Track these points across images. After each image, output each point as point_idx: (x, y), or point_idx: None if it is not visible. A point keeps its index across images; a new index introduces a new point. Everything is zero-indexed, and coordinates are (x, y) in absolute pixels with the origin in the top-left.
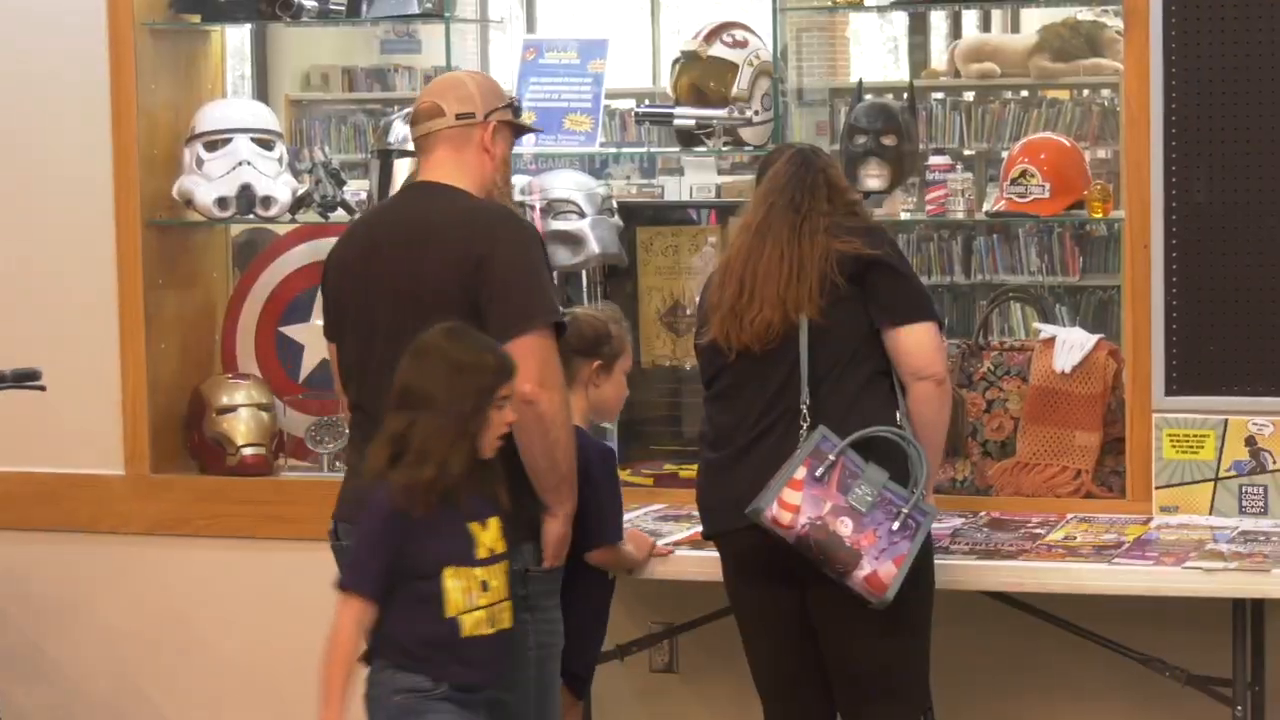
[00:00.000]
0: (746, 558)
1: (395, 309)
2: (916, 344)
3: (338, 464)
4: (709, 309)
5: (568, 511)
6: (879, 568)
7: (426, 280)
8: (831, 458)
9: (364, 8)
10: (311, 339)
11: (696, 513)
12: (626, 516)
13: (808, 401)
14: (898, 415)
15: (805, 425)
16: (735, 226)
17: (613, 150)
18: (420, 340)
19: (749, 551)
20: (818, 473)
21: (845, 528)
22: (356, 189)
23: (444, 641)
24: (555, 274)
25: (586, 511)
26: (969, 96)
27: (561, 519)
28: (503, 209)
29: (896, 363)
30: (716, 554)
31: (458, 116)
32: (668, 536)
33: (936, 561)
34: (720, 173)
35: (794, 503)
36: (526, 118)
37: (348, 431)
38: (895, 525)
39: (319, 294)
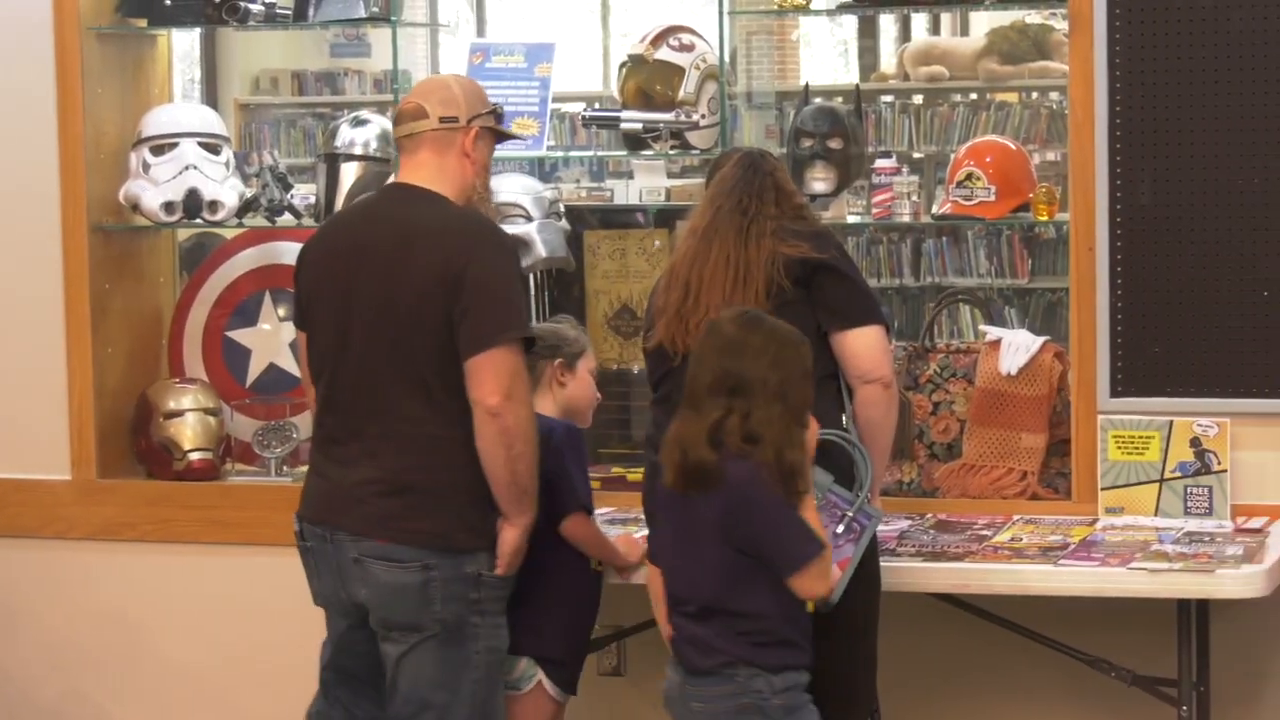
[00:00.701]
0: None
1: (374, 312)
2: (864, 347)
3: (285, 469)
4: (655, 312)
5: (525, 523)
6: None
7: (406, 287)
8: None
9: (311, 11)
10: (259, 344)
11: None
12: None
13: None
14: (844, 418)
15: None
16: (682, 230)
17: (560, 154)
18: (727, 330)
19: None
20: None
21: None
22: (304, 193)
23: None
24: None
25: (550, 480)
26: (918, 99)
27: (520, 529)
28: (484, 221)
29: (844, 366)
30: None
31: (441, 119)
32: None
33: (883, 563)
34: (670, 176)
35: None
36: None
37: (298, 432)
38: (840, 529)
39: (268, 296)
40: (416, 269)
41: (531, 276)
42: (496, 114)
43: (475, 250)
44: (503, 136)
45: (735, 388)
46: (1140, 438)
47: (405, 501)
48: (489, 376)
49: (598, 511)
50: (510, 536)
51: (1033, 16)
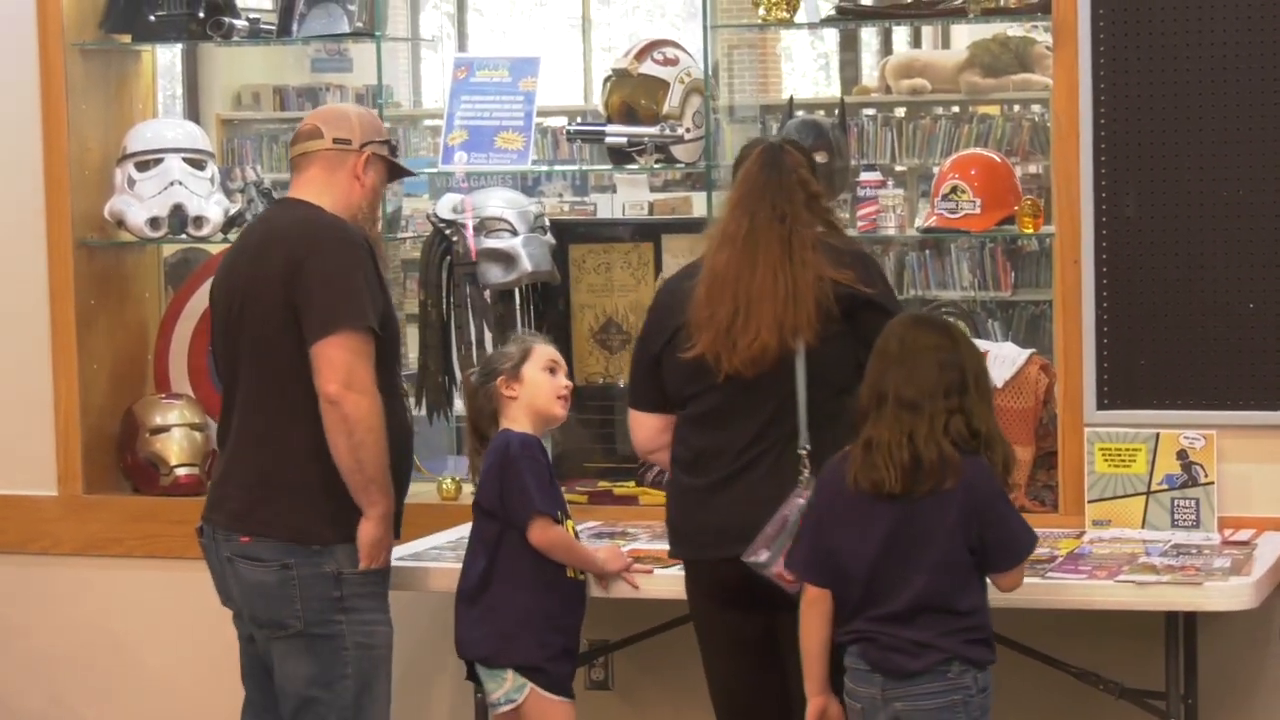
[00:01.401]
0: (719, 585)
1: (238, 313)
2: None
3: None
4: (693, 324)
5: (380, 513)
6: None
7: (261, 285)
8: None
9: (295, 27)
10: None
11: (632, 530)
12: None
13: (807, 447)
14: None
15: (806, 471)
16: (712, 234)
17: (545, 168)
18: (933, 333)
19: (724, 580)
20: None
21: None
22: None
23: None
24: (389, 281)
25: (507, 491)
26: (900, 112)
27: (375, 520)
28: (333, 220)
29: None
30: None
31: (334, 140)
32: (628, 545)
33: None
34: (653, 190)
35: None
36: (455, 137)
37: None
38: None
39: None
40: (269, 267)
41: (517, 291)
42: (391, 146)
43: (316, 244)
44: (397, 171)
45: (954, 386)
46: (1127, 450)
47: (261, 496)
48: (325, 365)
49: (585, 525)
50: (366, 529)
51: (1015, 29)
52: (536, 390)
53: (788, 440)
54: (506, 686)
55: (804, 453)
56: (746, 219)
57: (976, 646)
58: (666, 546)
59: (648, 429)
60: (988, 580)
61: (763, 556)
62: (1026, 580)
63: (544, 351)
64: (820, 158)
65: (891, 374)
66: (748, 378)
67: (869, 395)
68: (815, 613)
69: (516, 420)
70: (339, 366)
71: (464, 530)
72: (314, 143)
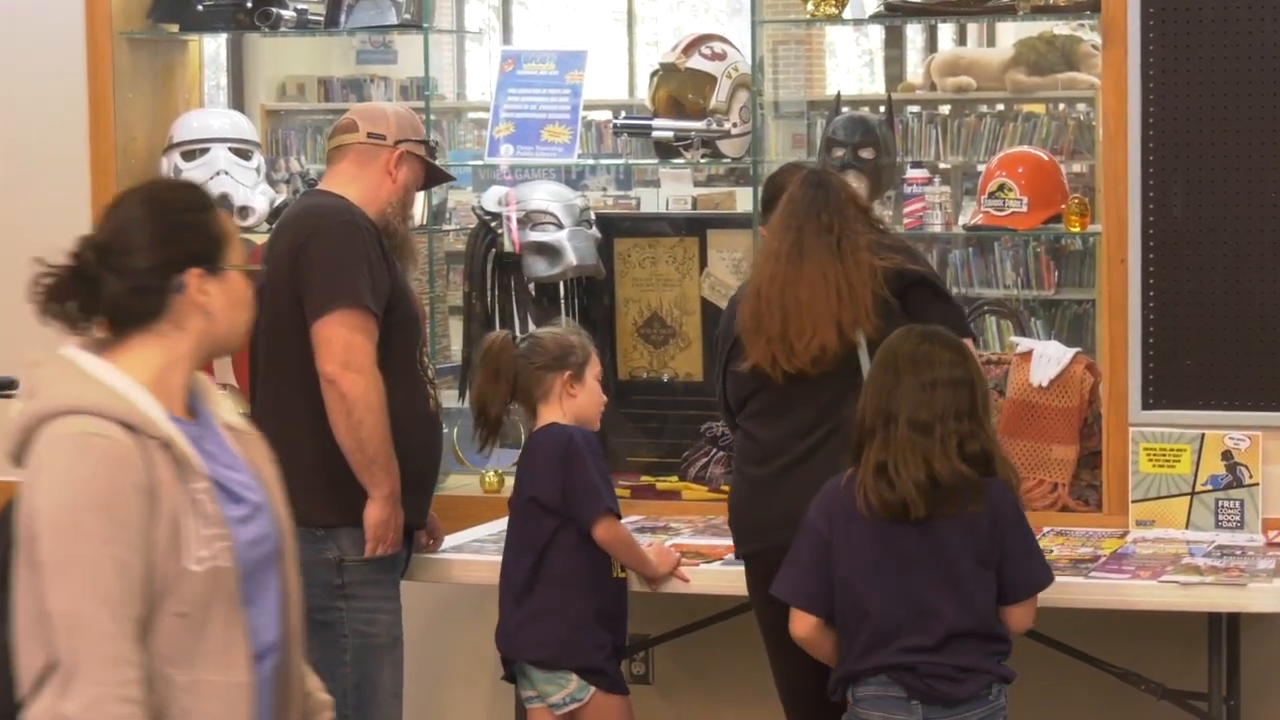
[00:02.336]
0: None
1: (260, 300)
2: None
3: None
4: (744, 334)
5: (384, 494)
6: None
7: (272, 272)
8: None
9: (342, 18)
10: None
11: (675, 525)
12: None
13: None
14: None
15: None
16: (760, 254)
17: (590, 161)
18: (947, 352)
19: None
20: None
21: None
22: None
23: None
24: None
25: (572, 488)
26: (945, 110)
27: (379, 501)
28: (340, 205)
29: None
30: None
31: (369, 135)
32: (671, 539)
33: None
34: (696, 184)
35: None
36: (502, 130)
37: None
38: None
39: None
40: (278, 252)
41: (561, 284)
42: (429, 147)
43: (317, 227)
44: (435, 175)
45: (965, 407)
46: (1171, 450)
47: None
48: (323, 344)
49: (628, 519)
50: (371, 511)
51: (1061, 27)
52: (593, 399)
53: (849, 424)
54: (571, 688)
55: None
56: (791, 235)
57: (1006, 664)
58: (709, 541)
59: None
60: None
61: None
62: (1070, 580)
63: (596, 359)
64: (867, 154)
65: (901, 393)
66: (810, 378)
67: (874, 414)
68: (815, 643)
69: (557, 417)
70: (336, 345)
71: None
72: (349, 135)
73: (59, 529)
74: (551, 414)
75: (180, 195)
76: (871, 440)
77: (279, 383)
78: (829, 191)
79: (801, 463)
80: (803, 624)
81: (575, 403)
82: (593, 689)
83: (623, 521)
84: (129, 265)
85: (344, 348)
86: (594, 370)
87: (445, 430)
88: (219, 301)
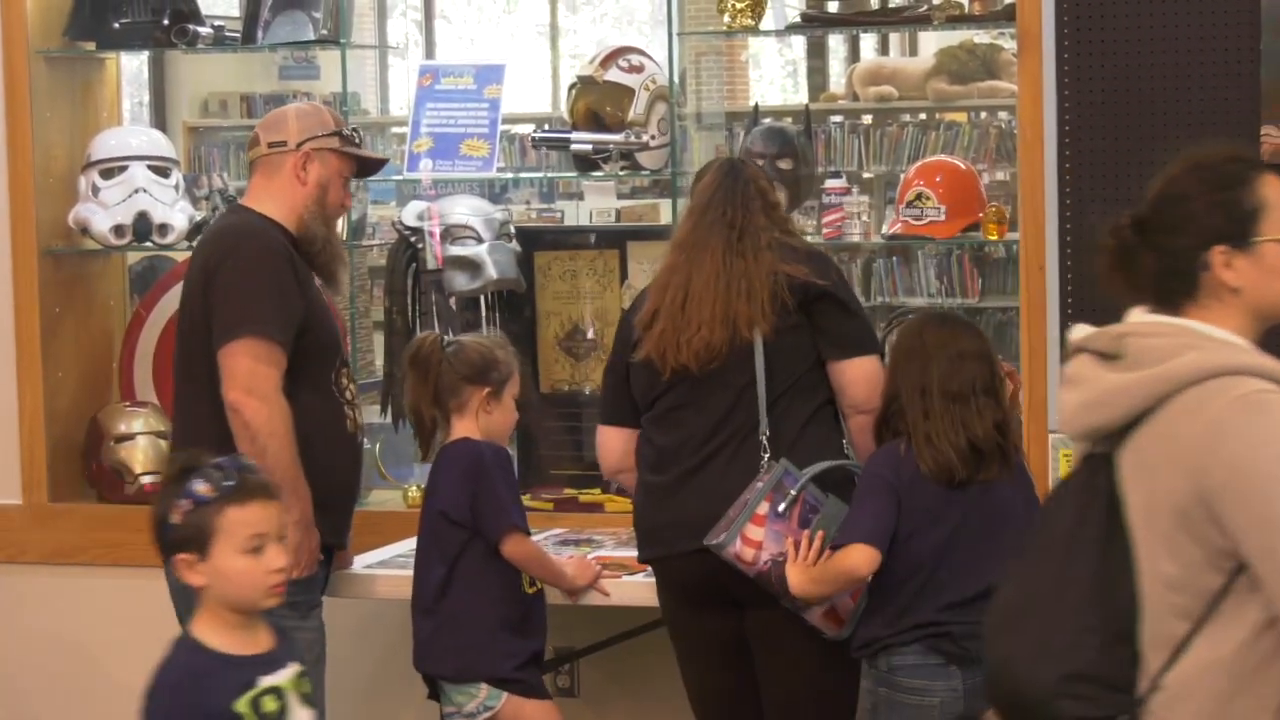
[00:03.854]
0: (688, 583)
1: (179, 321)
2: (859, 378)
3: None
4: (638, 326)
5: (294, 519)
6: (837, 603)
7: (186, 294)
8: (793, 493)
9: (260, 34)
10: None
11: (598, 537)
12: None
13: (767, 433)
14: (844, 443)
15: (766, 456)
16: (669, 244)
17: (510, 175)
18: (970, 332)
19: (691, 577)
20: (780, 508)
21: None
22: None
23: None
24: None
25: (480, 503)
26: (867, 119)
27: (290, 527)
28: (252, 228)
29: (838, 395)
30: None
31: (269, 145)
32: (594, 552)
33: None
34: (620, 197)
35: (757, 539)
36: (421, 144)
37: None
38: None
39: None
40: (192, 275)
41: (482, 298)
42: (344, 136)
43: (228, 252)
44: (362, 163)
45: (988, 382)
46: None
47: None
48: (227, 372)
49: (551, 532)
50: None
51: (981, 36)
52: (505, 418)
53: (748, 432)
54: (481, 697)
55: (764, 438)
56: (692, 224)
57: None
58: (632, 553)
59: (617, 446)
60: None
61: (720, 538)
62: None
63: (517, 378)
64: (785, 164)
65: (934, 368)
66: (694, 374)
67: (909, 390)
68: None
69: (475, 433)
70: (239, 373)
71: None
72: (254, 150)
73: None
74: (465, 427)
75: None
76: (910, 413)
77: (192, 402)
78: (736, 181)
79: (696, 473)
80: (872, 560)
81: (489, 419)
82: (505, 695)
83: (547, 534)
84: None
85: (247, 375)
86: (513, 390)
87: (368, 447)
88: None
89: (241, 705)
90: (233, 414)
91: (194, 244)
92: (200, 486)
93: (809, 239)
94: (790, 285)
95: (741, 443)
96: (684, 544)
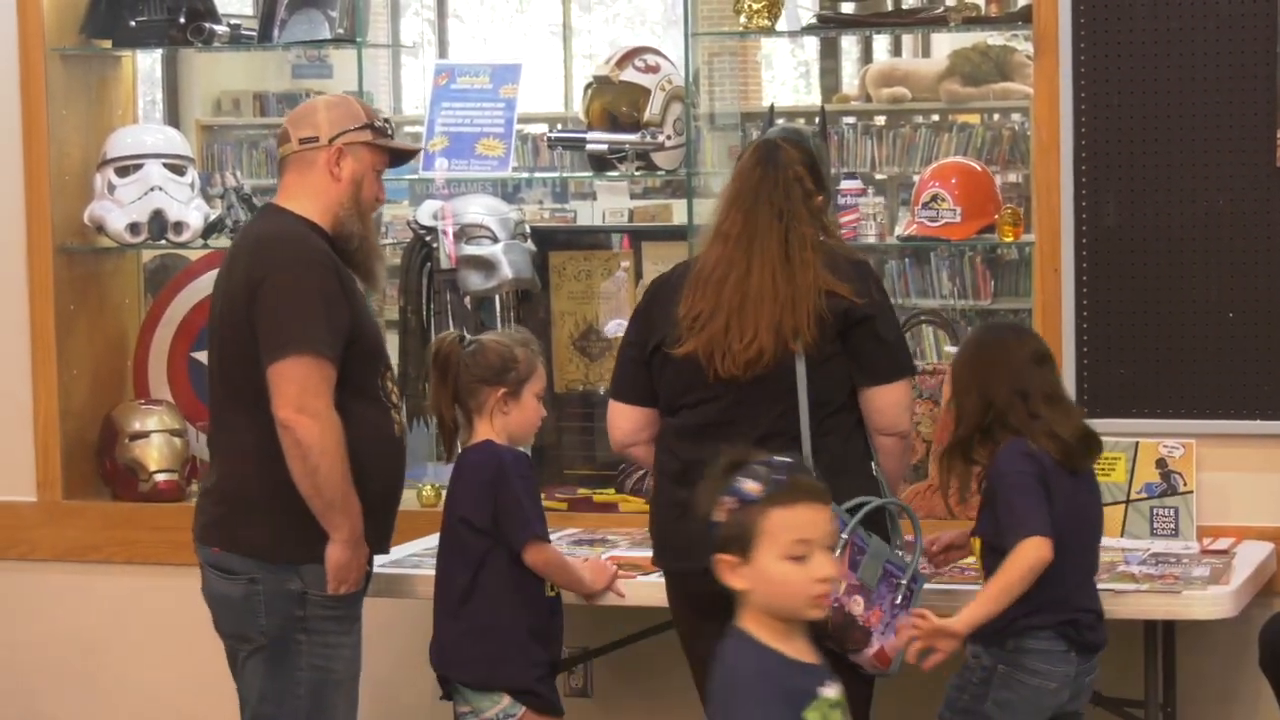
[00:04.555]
0: (704, 594)
1: (212, 325)
2: (889, 404)
3: None
4: (684, 322)
5: (344, 538)
6: (885, 643)
7: (227, 300)
8: (844, 536)
9: (276, 33)
10: None
11: (612, 537)
12: None
13: (810, 457)
14: (873, 466)
15: None
16: (706, 231)
17: (525, 175)
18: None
19: (708, 591)
20: (835, 553)
21: (858, 606)
22: None
23: None
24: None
25: (502, 511)
26: (880, 120)
27: (339, 545)
28: (293, 235)
29: (867, 416)
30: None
31: (300, 141)
32: (608, 552)
33: None
34: (633, 197)
35: None
36: (436, 144)
37: None
38: (898, 599)
39: None
40: (233, 283)
41: (497, 298)
42: (376, 128)
43: (273, 264)
44: (396, 155)
45: (1060, 386)
46: (1106, 459)
47: (232, 509)
48: (277, 389)
49: (565, 532)
50: (332, 553)
51: (995, 38)
52: (526, 417)
53: (782, 451)
54: (503, 704)
55: (808, 462)
56: (741, 216)
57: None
58: (647, 554)
59: (629, 422)
60: None
61: None
62: None
63: (541, 374)
64: None
65: (1025, 374)
66: (743, 384)
67: (1004, 397)
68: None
69: (495, 435)
70: (290, 391)
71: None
72: (285, 147)
73: None
74: (484, 429)
75: None
76: (1014, 417)
77: (238, 415)
78: (778, 170)
79: None
80: (1050, 547)
81: (507, 419)
82: (523, 708)
83: (561, 534)
84: None
85: (298, 392)
86: (534, 387)
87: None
88: None
89: (812, 715)
90: (284, 431)
91: (232, 244)
92: (748, 484)
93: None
94: (832, 307)
95: None
96: (700, 561)
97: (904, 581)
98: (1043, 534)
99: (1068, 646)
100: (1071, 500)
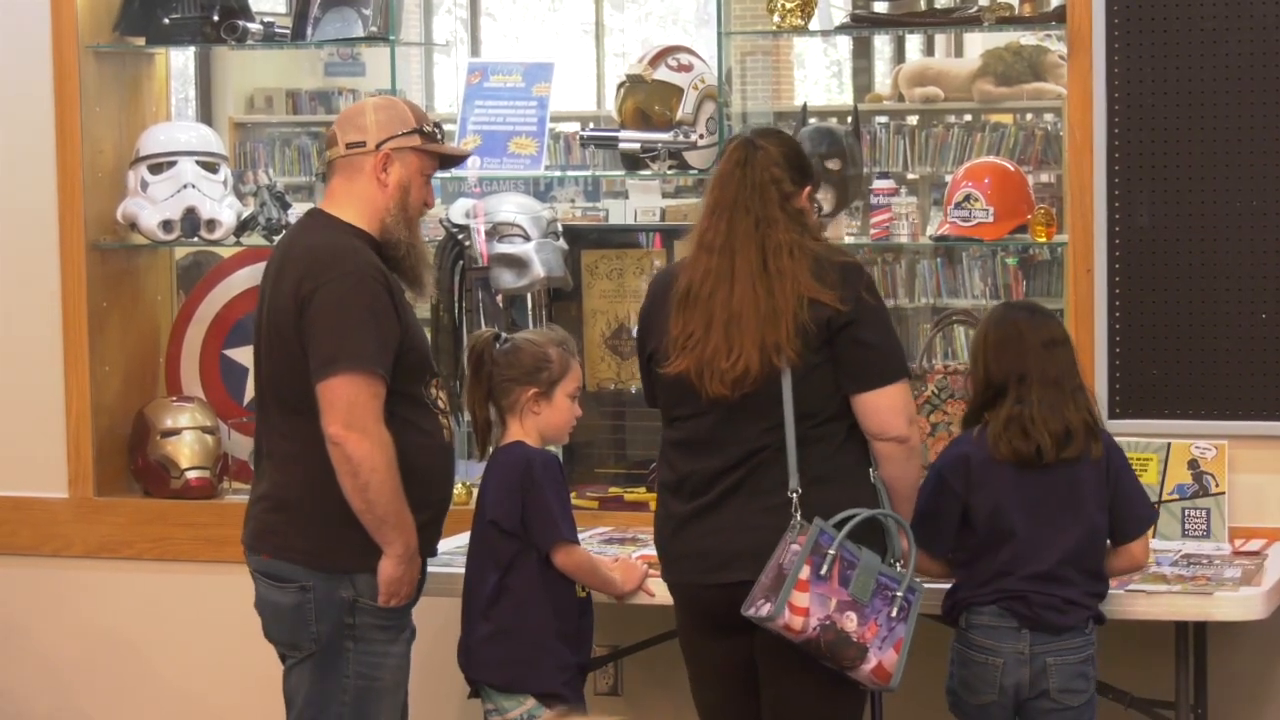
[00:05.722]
0: (705, 610)
1: (261, 334)
2: (878, 409)
3: None
4: (671, 341)
5: (398, 553)
6: (882, 657)
7: (276, 310)
8: (831, 552)
9: (309, 31)
10: None
11: (643, 536)
12: None
13: (799, 491)
14: (871, 473)
15: (798, 515)
16: (690, 239)
17: (558, 174)
18: (1058, 322)
19: (709, 605)
20: (821, 570)
21: (851, 622)
22: (301, 211)
23: None
24: (387, 315)
25: (530, 514)
26: (913, 120)
27: (393, 560)
28: (343, 248)
29: (860, 421)
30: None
31: (348, 145)
32: (638, 550)
33: None
34: (665, 195)
35: (803, 605)
36: (469, 142)
37: None
38: (894, 612)
39: None
40: (281, 293)
41: (529, 296)
42: (425, 133)
43: (323, 277)
44: (444, 158)
45: (1074, 368)
46: (1138, 460)
47: (284, 517)
48: (327, 405)
49: (596, 530)
50: (385, 568)
51: (1028, 38)
52: (558, 417)
53: (769, 465)
54: (528, 706)
55: (795, 496)
56: (723, 225)
57: (1098, 606)
58: None
59: None
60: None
61: (765, 610)
62: None
63: (576, 374)
64: (833, 165)
65: (1027, 354)
66: (731, 401)
67: (1004, 376)
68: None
69: (527, 435)
70: (339, 408)
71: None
72: (332, 151)
73: None
74: (515, 429)
75: None
76: (1003, 398)
77: (286, 423)
78: (754, 172)
79: (718, 505)
80: (939, 567)
81: (538, 419)
82: (547, 710)
83: (592, 532)
84: None
85: (347, 409)
86: (567, 387)
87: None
88: None
89: None
90: (334, 448)
91: (276, 249)
92: None
93: (854, 241)
94: (815, 316)
95: (762, 478)
96: (701, 576)
97: (899, 594)
98: (944, 559)
99: (1018, 624)
100: (1017, 493)
